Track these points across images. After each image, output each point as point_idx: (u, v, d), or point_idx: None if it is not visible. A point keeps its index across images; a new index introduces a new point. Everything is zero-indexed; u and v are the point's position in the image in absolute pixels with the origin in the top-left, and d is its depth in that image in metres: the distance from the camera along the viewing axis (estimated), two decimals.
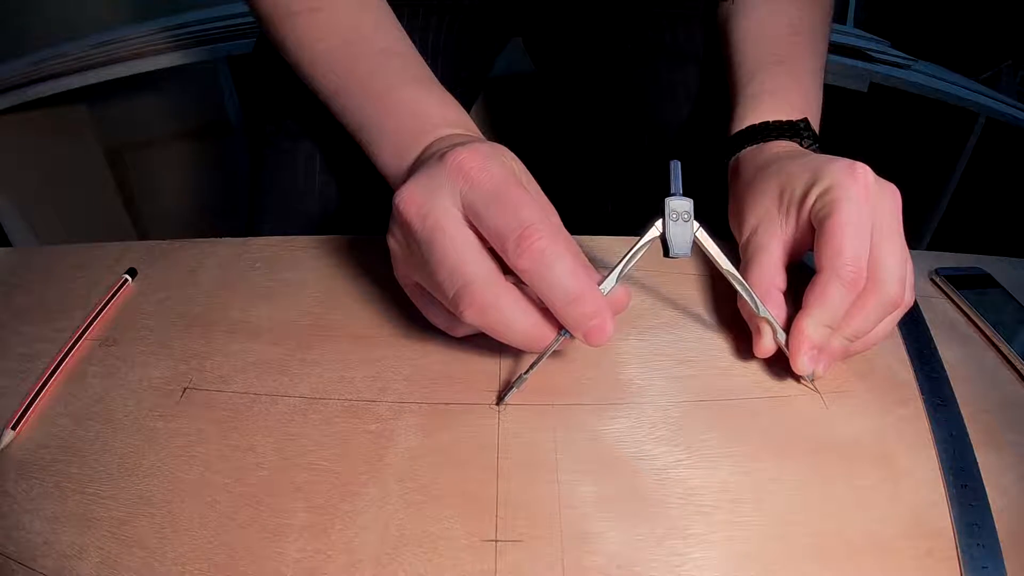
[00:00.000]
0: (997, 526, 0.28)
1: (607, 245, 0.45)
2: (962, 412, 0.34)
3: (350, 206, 0.55)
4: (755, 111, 0.44)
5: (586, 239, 0.45)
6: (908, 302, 0.34)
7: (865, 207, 0.33)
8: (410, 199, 0.32)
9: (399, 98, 0.41)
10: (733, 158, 0.44)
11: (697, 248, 0.32)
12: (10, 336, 0.37)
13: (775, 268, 0.37)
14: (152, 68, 0.86)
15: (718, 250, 0.33)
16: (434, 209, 0.31)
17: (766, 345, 0.34)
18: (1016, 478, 0.31)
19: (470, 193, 0.30)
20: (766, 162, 0.40)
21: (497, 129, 0.98)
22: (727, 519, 0.29)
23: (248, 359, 0.36)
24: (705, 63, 0.57)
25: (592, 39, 0.62)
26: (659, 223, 0.32)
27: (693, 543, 0.28)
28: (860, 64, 0.93)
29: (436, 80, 0.43)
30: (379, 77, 0.42)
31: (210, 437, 0.32)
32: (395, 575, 0.26)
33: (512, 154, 0.34)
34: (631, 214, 0.62)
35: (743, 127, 0.44)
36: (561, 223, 0.32)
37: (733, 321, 0.38)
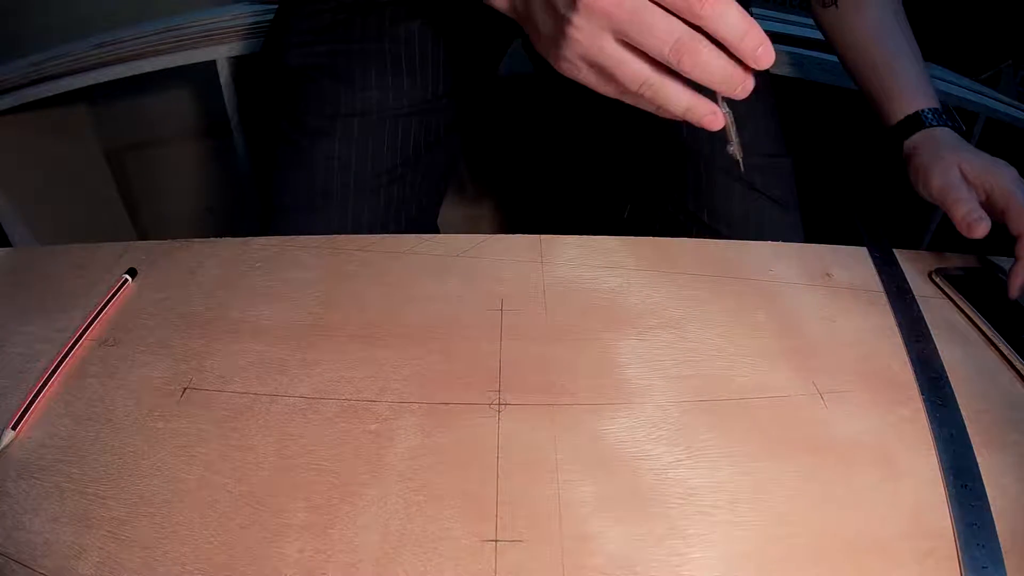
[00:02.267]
0: (997, 526, 0.28)
1: (612, 246, 0.45)
2: (962, 412, 0.34)
3: (369, 205, 0.55)
4: (911, 101, 0.52)
5: (587, 239, 0.45)
6: None
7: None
8: None
9: None
10: (908, 140, 0.52)
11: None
12: (10, 336, 0.37)
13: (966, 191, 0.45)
14: (152, 68, 0.85)
15: None
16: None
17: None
18: (1016, 478, 0.31)
19: None
20: (940, 145, 0.49)
21: (505, 130, 0.98)
22: (727, 519, 0.29)
23: (248, 359, 0.36)
24: None
25: None
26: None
27: (693, 543, 0.28)
28: None
29: None
30: None
31: (210, 437, 0.32)
32: (395, 575, 0.26)
33: None
34: (647, 218, 0.62)
35: (909, 113, 0.52)
36: None
37: (733, 321, 0.38)
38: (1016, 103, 1.00)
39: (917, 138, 0.52)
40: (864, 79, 0.57)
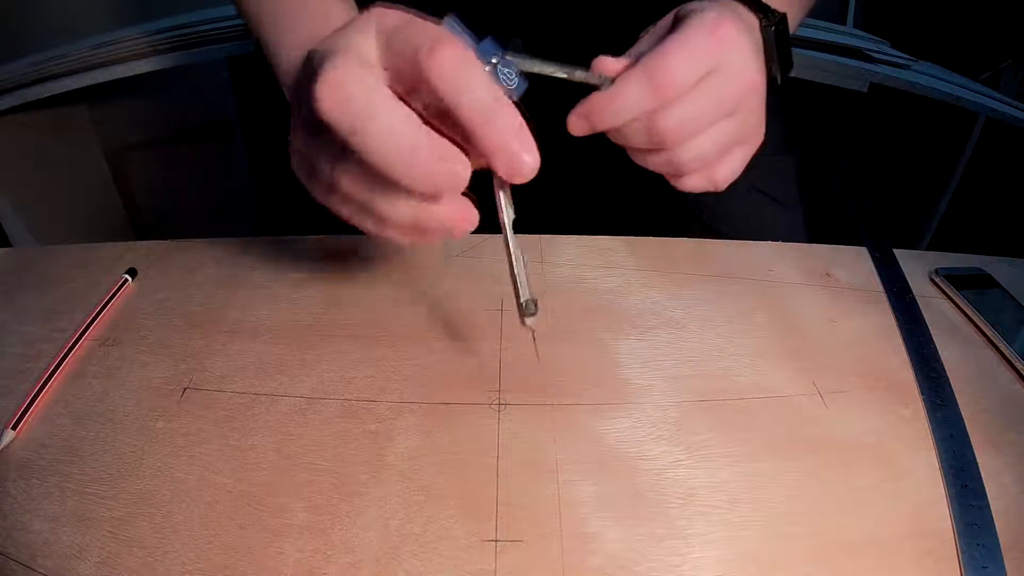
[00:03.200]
0: (997, 526, 0.28)
1: (612, 246, 0.45)
2: (962, 412, 0.34)
3: None
4: None
5: (587, 239, 0.45)
6: (692, 170, 0.36)
7: (710, 46, 0.33)
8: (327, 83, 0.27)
9: (309, 11, 0.38)
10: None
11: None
12: (10, 336, 0.37)
13: (645, 45, 0.36)
14: (152, 68, 0.86)
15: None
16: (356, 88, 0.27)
17: None
18: (1016, 478, 0.31)
19: (383, 22, 0.28)
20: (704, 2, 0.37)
21: None
22: (727, 519, 0.29)
23: (248, 359, 0.36)
24: None
25: (592, 39, 0.62)
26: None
27: (693, 543, 0.28)
28: (860, 64, 0.93)
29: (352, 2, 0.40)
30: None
31: (210, 437, 0.32)
32: (395, 575, 0.26)
33: None
34: (638, 217, 0.62)
35: None
36: None
37: (733, 321, 0.38)
38: (1016, 103, 1.00)
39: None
40: None
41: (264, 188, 0.57)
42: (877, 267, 0.44)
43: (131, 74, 0.85)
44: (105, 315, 0.38)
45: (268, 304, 0.39)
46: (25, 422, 0.32)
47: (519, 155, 0.27)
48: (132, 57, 0.85)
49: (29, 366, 0.35)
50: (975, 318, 0.40)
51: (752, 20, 0.38)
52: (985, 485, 0.30)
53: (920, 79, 0.95)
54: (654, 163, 0.37)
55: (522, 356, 0.36)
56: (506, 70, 0.31)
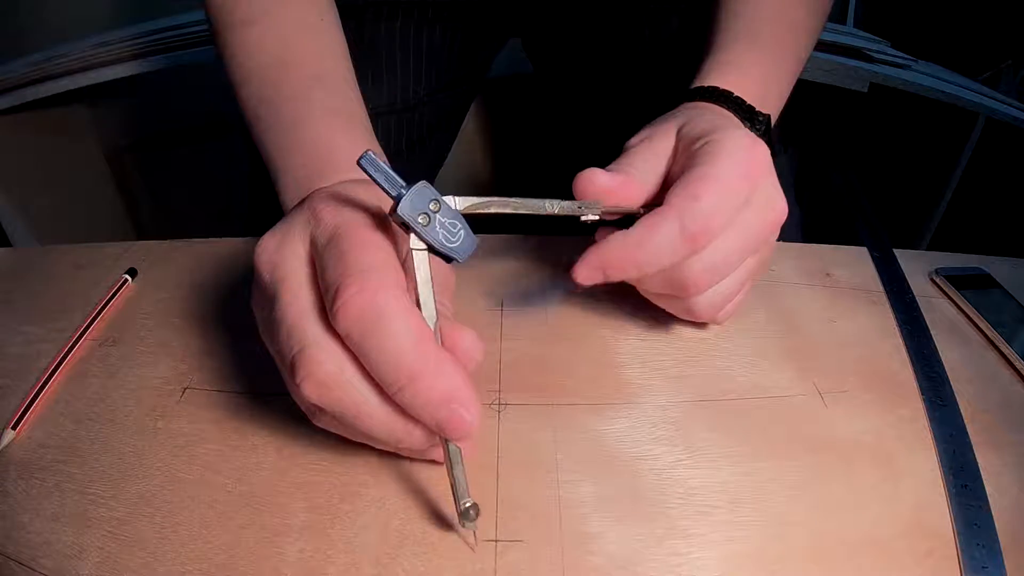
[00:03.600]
0: (997, 526, 0.28)
1: None
2: (962, 412, 0.34)
3: None
4: (720, 77, 0.38)
5: (588, 239, 0.45)
6: (703, 314, 0.33)
7: (743, 181, 0.30)
8: (262, 247, 0.27)
9: (309, 132, 0.36)
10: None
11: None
12: (10, 336, 0.37)
13: (646, 163, 0.32)
14: (152, 68, 0.86)
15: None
16: (285, 259, 0.26)
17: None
18: (1016, 478, 0.31)
19: (315, 231, 0.26)
20: (692, 112, 0.35)
21: (498, 130, 0.98)
22: (727, 519, 0.29)
23: (248, 359, 0.36)
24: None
25: (592, 39, 0.62)
26: (412, 239, 0.25)
27: (693, 543, 0.28)
28: (860, 64, 0.92)
29: (361, 115, 0.39)
30: (297, 105, 0.37)
31: (210, 437, 0.32)
32: (395, 575, 0.26)
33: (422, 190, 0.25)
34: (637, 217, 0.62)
35: (702, 85, 0.38)
36: (402, 279, 0.25)
37: (733, 321, 0.38)
38: (1016, 103, 1.00)
39: (683, 106, 0.37)
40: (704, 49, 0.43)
41: (263, 188, 0.58)
42: (877, 267, 0.44)
43: (131, 74, 0.85)
44: (105, 315, 0.38)
45: None
46: (25, 422, 0.32)
47: (450, 421, 0.23)
48: (132, 57, 0.85)
49: (29, 366, 0.35)
50: (975, 318, 0.40)
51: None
52: (985, 485, 0.30)
53: (920, 79, 0.95)
54: (667, 306, 0.35)
55: (522, 356, 0.36)
56: (447, 221, 0.25)
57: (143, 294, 0.40)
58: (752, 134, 0.32)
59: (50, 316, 0.38)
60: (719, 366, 0.36)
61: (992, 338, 0.39)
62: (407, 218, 0.25)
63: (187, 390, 0.34)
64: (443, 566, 0.27)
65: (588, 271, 0.30)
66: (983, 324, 0.39)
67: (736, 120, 0.36)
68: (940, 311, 0.41)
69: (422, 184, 0.25)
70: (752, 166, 0.30)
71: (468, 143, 0.95)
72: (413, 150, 0.60)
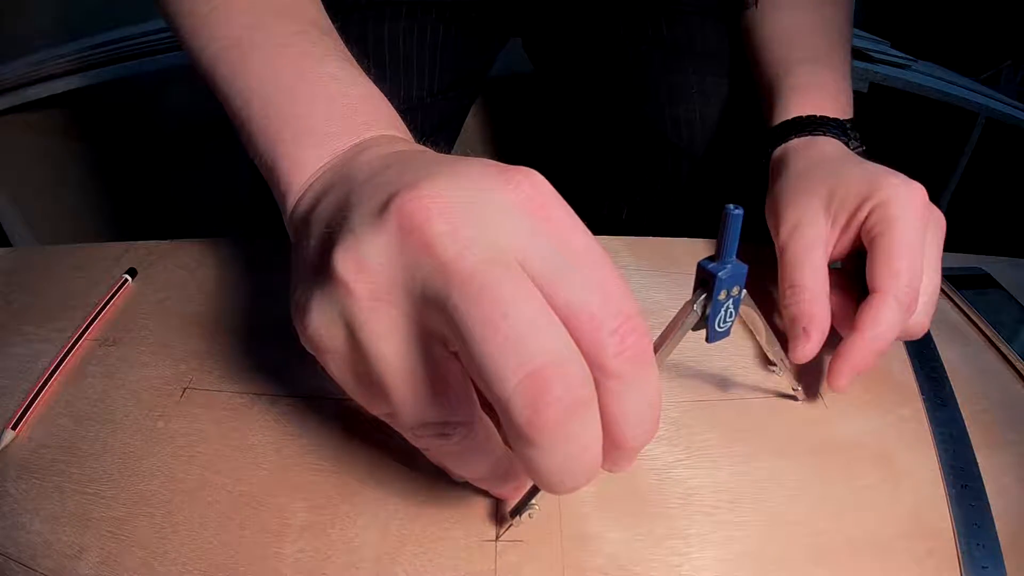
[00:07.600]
0: (997, 526, 0.28)
1: (612, 246, 0.45)
2: (962, 412, 0.34)
3: None
4: (800, 103, 0.42)
5: (599, 239, 0.45)
6: (922, 333, 0.35)
7: (921, 230, 0.33)
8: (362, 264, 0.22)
9: (318, 74, 0.31)
10: (779, 148, 0.41)
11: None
12: (10, 336, 0.37)
13: (820, 270, 0.35)
14: (151, 68, 0.86)
15: (764, 323, 0.33)
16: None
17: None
18: (1016, 478, 0.31)
19: (410, 238, 0.21)
20: (817, 161, 0.38)
21: (498, 130, 0.98)
22: (727, 519, 0.29)
23: (248, 359, 0.35)
24: (714, 59, 0.57)
25: (592, 39, 0.62)
26: (700, 300, 0.24)
27: (693, 543, 0.28)
28: (860, 64, 0.93)
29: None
30: (290, 50, 0.32)
31: (210, 437, 0.31)
32: (395, 575, 0.26)
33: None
34: (645, 218, 0.62)
35: (789, 117, 0.41)
36: None
37: None
38: (1016, 103, 1.00)
39: (786, 148, 0.40)
40: (758, 77, 0.48)
41: (264, 188, 0.57)
42: None
43: (131, 74, 0.85)
44: (105, 315, 0.38)
45: (268, 304, 0.39)
46: (25, 422, 0.32)
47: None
48: (132, 57, 0.85)
49: (29, 366, 0.35)
50: (975, 318, 0.40)
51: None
52: (985, 485, 0.30)
53: (920, 79, 0.95)
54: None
55: None
56: (732, 309, 0.24)
57: (143, 294, 0.40)
58: (903, 177, 0.35)
59: (50, 316, 0.38)
60: (719, 366, 0.36)
61: (992, 338, 0.39)
62: (718, 286, 0.24)
63: (187, 390, 0.34)
64: (443, 566, 0.27)
65: (846, 380, 0.32)
66: (983, 324, 0.39)
67: (873, 165, 0.37)
68: (940, 311, 0.41)
69: (746, 267, 0.25)
70: (921, 213, 0.33)
71: (468, 143, 0.95)
72: None
